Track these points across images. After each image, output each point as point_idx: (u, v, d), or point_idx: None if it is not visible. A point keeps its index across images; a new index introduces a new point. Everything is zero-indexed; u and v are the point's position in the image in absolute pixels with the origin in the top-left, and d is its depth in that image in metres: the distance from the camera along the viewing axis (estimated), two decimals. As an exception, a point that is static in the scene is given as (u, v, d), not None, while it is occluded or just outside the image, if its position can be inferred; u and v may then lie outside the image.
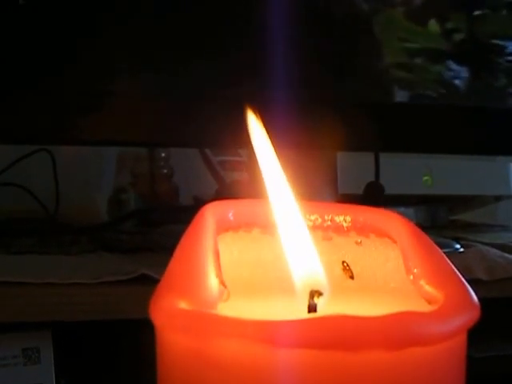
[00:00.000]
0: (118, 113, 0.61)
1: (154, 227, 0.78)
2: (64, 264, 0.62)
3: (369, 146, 0.69)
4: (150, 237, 0.74)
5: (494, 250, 0.71)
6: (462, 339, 0.29)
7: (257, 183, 0.66)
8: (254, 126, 0.32)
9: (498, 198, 1.07)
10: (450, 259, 0.32)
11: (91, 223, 0.81)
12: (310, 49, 0.61)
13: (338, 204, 0.34)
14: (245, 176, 0.76)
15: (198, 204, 0.88)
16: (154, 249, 0.69)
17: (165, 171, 0.94)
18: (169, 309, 0.27)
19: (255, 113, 0.32)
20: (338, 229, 0.34)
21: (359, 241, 0.34)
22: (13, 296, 0.54)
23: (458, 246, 0.72)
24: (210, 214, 0.31)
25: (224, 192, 0.78)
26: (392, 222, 0.33)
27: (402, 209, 0.94)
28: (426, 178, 0.93)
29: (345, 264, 0.34)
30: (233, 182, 0.78)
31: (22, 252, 0.67)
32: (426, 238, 0.32)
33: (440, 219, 1.00)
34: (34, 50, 0.60)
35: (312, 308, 0.30)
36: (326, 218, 0.33)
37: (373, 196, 0.75)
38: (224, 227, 0.32)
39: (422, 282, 0.30)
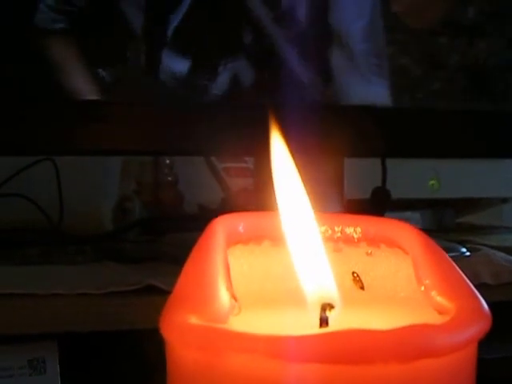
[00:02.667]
0: (121, 122, 0.61)
1: (159, 236, 0.77)
2: (69, 274, 0.62)
3: (375, 152, 0.69)
4: (155, 246, 0.74)
5: (501, 254, 0.71)
6: (472, 349, 0.29)
7: (263, 190, 0.65)
8: (276, 140, 0.31)
9: (504, 200, 1.07)
10: (456, 264, 0.32)
11: (96, 232, 0.81)
12: (318, 55, 0.61)
13: (348, 215, 0.34)
14: (250, 182, 0.76)
15: (203, 212, 0.88)
16: (159, 258, 0.69)
17: (169, 179, 0.93)
18: (180, 324, 0.27)
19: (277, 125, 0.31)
20: (349, 240, 0.33)
21: (369, 251, 0.34)
22: (18, 307, 0.54)
23: (464, 249, 0.72)
24: (220, 227, 0.31)
25: (230, 201, 0.78)
26: (403, 232, 0.33)
27: (409, 213, 0.94)
28: (432, 182, 0.93)
29: (355, 275, 0.34)
30: (239, 190, 0.78)
31: (27, 263, 0.66)
32: (437, 249, 0.32)
33: (446, 222, 1.00)
34: (36, 62, 0.60)
35: (324, 321, 0.30)
36: (336, 229, 0.33)
37: (379, 202, 0.75)
38: (234, 240, 0.32)
39: (434, 293, 0.30)
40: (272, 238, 0.33)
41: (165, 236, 0.76)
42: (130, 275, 0.59)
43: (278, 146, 0.32)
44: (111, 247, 0.75)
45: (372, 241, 0.33)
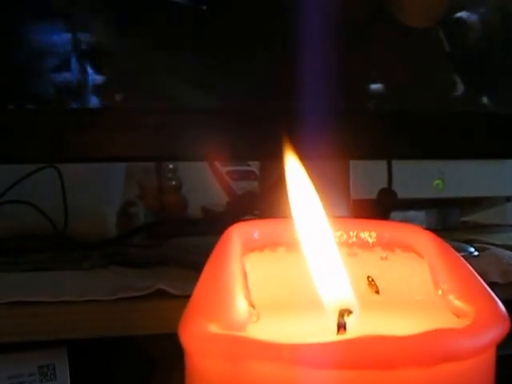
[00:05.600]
0: (123, 129, 0.61)
1: (163, 240, 0.77)
2: (76, 280, 0.61)
3: (381, 155, 0.69)
4: (161, 250, 0.74)
5: (508, 253, 0.71)
6: (492, 352, 0.29)
7: (268, 193, 0.65)
8: (288, 148, 0.31)
9: (508, 199, 1.07)
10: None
11: (101, 238, 0.81)
12: (324, 60, 0.61)
13: (363, 220, 0.33)
14: (254, 185, 0.76)
15: (208, 216, 0.88)
16: (165, 262, 0.69)
17: (173, 183, 0.94)
18: (200, 333, 0.27)
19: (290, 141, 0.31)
20: (363, 245, 0.33)
21: (384, 256, 0.34)
22: (27, 314, 0.54)
23: (472, 249, 0.72)
24: (236, 235, 0.31)
25: (235, 205, 0.78)
26: (419, 237, 0.33)
27: (414, 212, 0.94)
28: (437, 182, 0.93)
29: (370, 279, 0.34)
30: (244, 193, 0.77)
31: (33, 269, 0.66)
32: (452, 252, 0.32)
33: (451, 221, 1.00)
34: (38, 68, 0.60)
35: (341, 326, 0.30)
36: (351, 234, 0.33)
37: (386, 203, 0.75)
38: (249, 247, 0.32)
39: (451, 297, 0.30)
40: (287, 244, 0.33)
41: (169, 240, 0.76)
42: (137, 280, 0.59)
43: (290, 153, 0.32)
44: (116, 252, 0.75)
45: (387, 245, 0.33)
